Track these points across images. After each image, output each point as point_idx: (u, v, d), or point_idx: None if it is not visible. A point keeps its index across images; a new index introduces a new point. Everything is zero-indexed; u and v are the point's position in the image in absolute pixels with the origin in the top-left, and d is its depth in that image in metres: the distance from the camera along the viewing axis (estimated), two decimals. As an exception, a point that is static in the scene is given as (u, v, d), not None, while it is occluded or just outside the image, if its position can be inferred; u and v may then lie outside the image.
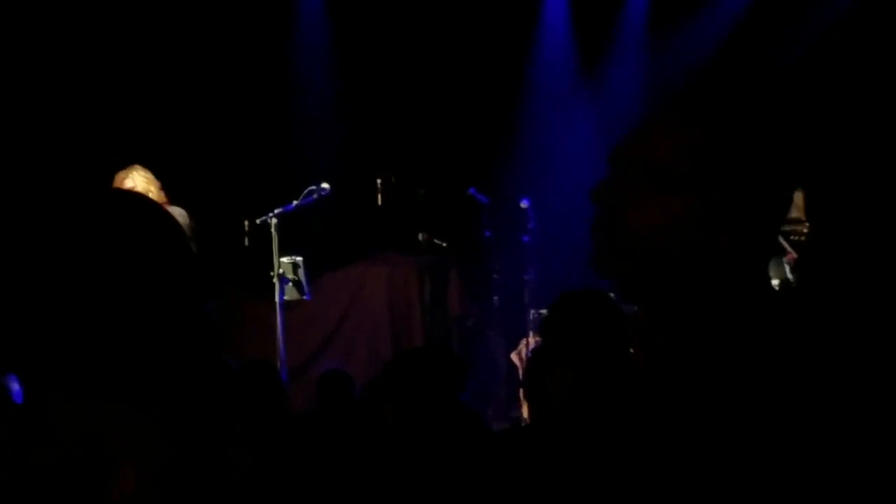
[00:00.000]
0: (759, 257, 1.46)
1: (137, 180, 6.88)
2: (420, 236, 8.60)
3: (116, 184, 6.85)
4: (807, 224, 6.33)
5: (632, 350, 3.00)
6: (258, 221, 7.39)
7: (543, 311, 7.13)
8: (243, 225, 7.64)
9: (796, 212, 6.68)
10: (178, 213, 6.79)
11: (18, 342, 1.37)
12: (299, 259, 7.49)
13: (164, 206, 6.82)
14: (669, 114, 1.47)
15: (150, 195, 6.75)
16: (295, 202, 7.44)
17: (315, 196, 7.47)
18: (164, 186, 8.66)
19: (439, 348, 5.66)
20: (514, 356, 8.14)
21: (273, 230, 7.32)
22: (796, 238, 6.29)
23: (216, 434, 1.46)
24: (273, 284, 7.35)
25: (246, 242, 7.70)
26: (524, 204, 8.41)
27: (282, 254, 7.42)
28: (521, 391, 5.57)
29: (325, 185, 7.48)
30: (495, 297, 8.84)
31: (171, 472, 1.40)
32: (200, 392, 1.45)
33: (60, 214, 1.40)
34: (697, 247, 1.40)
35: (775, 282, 6.23)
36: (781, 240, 6.25)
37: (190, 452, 1.42)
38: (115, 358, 1.37)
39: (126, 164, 7.12)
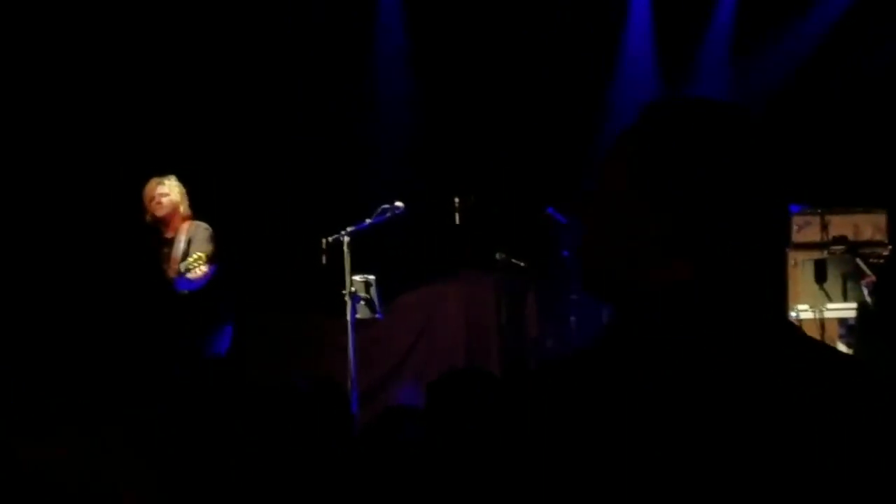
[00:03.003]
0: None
1: (173, 188, 7.06)
2: (498, 256, 8.51)
3: (150, 187, 7.02)
4: (888, 247, 6.14)
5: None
6: (330, 239, 7.41)
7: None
8: (321, 243, 7.64)
9: (877, 234, 6.47)
10: (202, 227, 7.01)
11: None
12: (371, 277, 7.48)
13: (189, 220, 7.02)
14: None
15: (181, 206, 7.04)
16: (368, 220, 7.44)
17: (388, 214, 7.46)
18: (244, 203, 8.78)
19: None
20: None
21: (345, 248, 7.33)
22: (875, 261, 6.09)
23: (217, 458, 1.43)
24: (345, 302, 7.35)
25: (323, 260, 7.69)
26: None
27: (355, 272, 7.42)
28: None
29: (399, 204, 7.47)
30: (573, 318, 8.72)
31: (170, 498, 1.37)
32: (199, 416, 1.41)
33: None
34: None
35: (853, 305, 6.05)
36: (860, 262, 6.06)
37: (188, 475, 1.39)
38: (99, 389, 1.34)
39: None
